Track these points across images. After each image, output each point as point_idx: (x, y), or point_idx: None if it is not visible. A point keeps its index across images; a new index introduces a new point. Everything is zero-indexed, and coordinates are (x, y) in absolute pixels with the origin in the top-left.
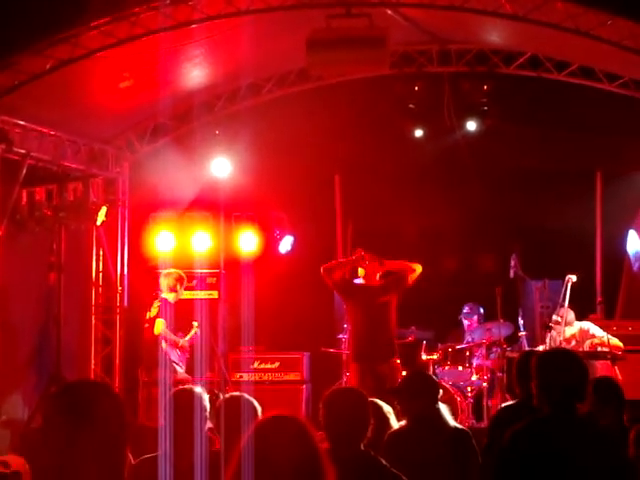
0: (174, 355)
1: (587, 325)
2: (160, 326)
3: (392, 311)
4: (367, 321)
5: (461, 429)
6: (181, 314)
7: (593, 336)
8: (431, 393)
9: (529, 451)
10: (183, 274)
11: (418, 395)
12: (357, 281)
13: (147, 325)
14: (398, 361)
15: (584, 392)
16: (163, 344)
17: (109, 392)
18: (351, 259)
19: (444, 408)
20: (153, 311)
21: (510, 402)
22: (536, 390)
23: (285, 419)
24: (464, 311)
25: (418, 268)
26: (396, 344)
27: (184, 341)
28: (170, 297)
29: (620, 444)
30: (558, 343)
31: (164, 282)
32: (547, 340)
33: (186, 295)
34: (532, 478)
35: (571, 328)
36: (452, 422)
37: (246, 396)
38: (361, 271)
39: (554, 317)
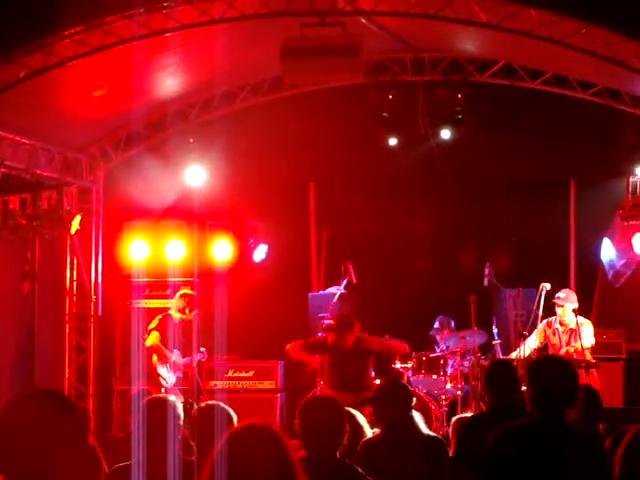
0: (163, 370)
1: (582, 320)
2: (153, 339)
3: (367, 367)
4: (340, 376)
5: (434, 437)
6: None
7: (583, 332)
8: (405, 401)
9: (515, 453)
10: (194, 295)
11: (392, 403)
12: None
13: (146, 335)
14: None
15: (574, 398)
16: (154, 357)
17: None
18: (317, 341)
19: (418, 416)
20: (154, 322)
21: (471, 414)
22: (528, 394)
23: (259, 428)
24: (435, 326)
25: (405, 349)
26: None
27: (177, 357)
28: (176, 316)
29: (607, 451)
30: (558, 323)
31: (178, 302)
32: (542, 324)
33: (160, 304)
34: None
35: (571, 313)
36: (425, 430)
37: (221, 404)
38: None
39: (557, 294)
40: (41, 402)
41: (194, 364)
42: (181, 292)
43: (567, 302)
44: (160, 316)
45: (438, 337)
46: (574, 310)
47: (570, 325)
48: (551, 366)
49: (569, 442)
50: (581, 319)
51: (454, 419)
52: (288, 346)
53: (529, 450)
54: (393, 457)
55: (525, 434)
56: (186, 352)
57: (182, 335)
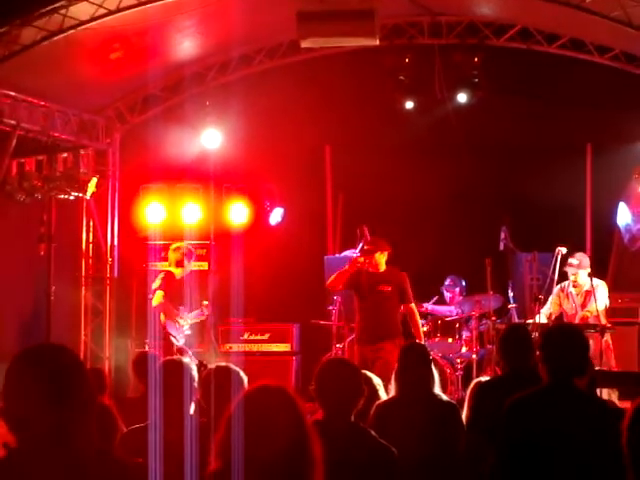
0: (172, 328)
1: (597, 282)
2: (159, 298)
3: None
4: (372, 307)
5: (449, 402)
6: (171, 285)
7: (597, 295)
8: (425, 364)
9: (528, 422)
10: (192, 248)
11: (413, 365)
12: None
13: (151, 296)
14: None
15: (585, 367)
16: (162, 317)
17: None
18: (352, 269)
19: (436, 380)
20: (157, 282)
21: (487, 378)
22: (540, 362)
23: (273, 389)
24: (446, 283)
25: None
26: (400, 328)
27: (186, 316)
28: (177, 272)
29: (618, 418)
30: (572, 287)
31: (172, 256)
32: (555, 289)
33: None
34: (531, 447)
35: (585, 276)
36: (441, 394)
37: (233, 366)
38: (360, 259)
39: (570, 260)
40: (48, 356)
41: (203, 317)
42: (174, 245)
43: (580, 268)
44: (162, 274)
45: (448, 295)
46: (589, 274)
47: (585, 287)
48: (562, 334)
49: (581, 409)
50: (596, 281)
51: (473, 382)
52: (328, 282)
53: (542, 419)
54: (407, 419)
55: (537, 402)
56: (195, 306)
57: (190, 289)
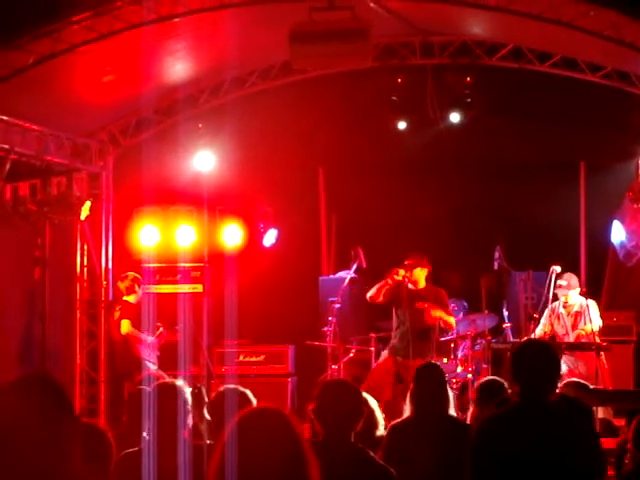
0: (145, 353)
1: (587, 302)
2: (126, 326)
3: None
4: (411, 322)
5: (462, 422)
6: (166, 308)
7: (588, 315)
8: (441, 383)
9: (500, 439)
10: (137, 275)
11: (429, 383)
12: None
13: (114, 328)
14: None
15: (554, 383)
16: (133, 343)
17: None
18: (393, 282)
19: (451, 400)
20: (116, 314)
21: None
22: (511, 381)
23: (269, 412)
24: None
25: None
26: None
27: (152, 339)
28: (131, 299)
29: (590, 432)
30: (562, 307)
31: (122, 286)
32: (546, 311)
33: (170, 289)
34: (503, 465)
35: (575, 296)
36: (454, 414)
37: (241, 388)
38: (401, 272)
39: (559, 282)
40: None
41: (162, 339)
42: (122, 276)
43: (570, 289)
44: (119, 306)
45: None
46: (581, 293)
47: (575, 308)
48: (531, 352)
49: (552, 424)
50: (586, 301)
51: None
52: (369, 294)
53: (513, 437)
54: (422, 439)
55: (508, 421)
56: (153, 331)
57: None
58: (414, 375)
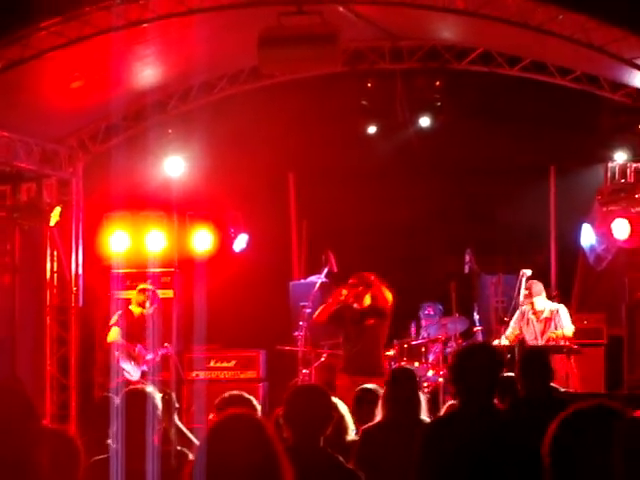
0: (127, 365)
1: (556, 306)
2: (114, 335)
3: (380, 333)
4: (356, 340)
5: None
6: (129, 322)
7: (559, 317)
8: (414, 389)
9: (442, 443)
10: (157, 292)
11: (402, 388)
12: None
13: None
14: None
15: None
16: (116, 352)
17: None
18: (337, 300)
19: (423, 403)
20: (114, 319)
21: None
22: (453, 383)
23: (242, 417)
24: (427, 312)
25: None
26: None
27: (139, 352)
28: (136, 311)
29: (531, 437)
30: (529, 316)
31: (137, 297)
32: (516, 314)
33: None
34: (447, 470)
35: (542, 302)
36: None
37: (245, 394)
38: (344, 292)
39: (522, 291)
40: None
41: (157, 359)
42: (140, 287)
43: (532, 297)
44: (119, 312)
45: (423, 322)
46: (550, 297)
47: (544, 314)
48: (473, 355)
49: (494, 429)
50: (555, 305)
51: None
52: (315, 316)
53: (455, 441)
54: (394, 443)
55: (451, 425)
56: (152, 346)
57: (143, 329)
58: (387, 379)
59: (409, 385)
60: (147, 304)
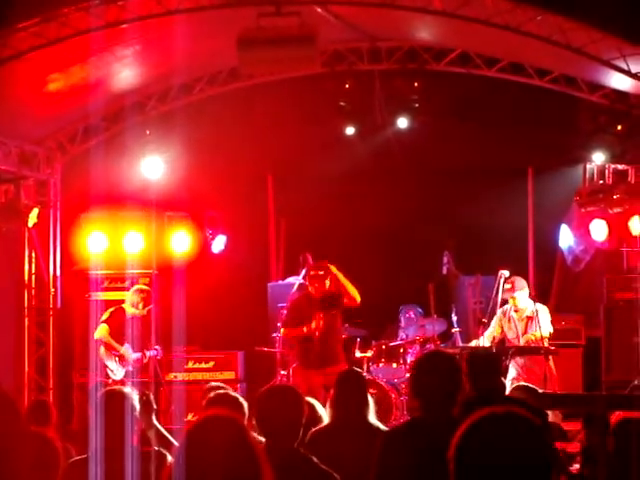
0: (111, 363)
1: (538, 307)
2: (102, 332)
3: (338, 320)
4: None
5: (383, 429)
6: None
7: (540, 318)
8: (360, 390)
9: (402, 452)
10: (151, 293)
11: (349, 392)
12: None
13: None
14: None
15: (455, 396)
16: (102, 349)
17: None
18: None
19: (372, 406)
20: (105, 315)
21: None
22: (411, 391)
23: (220, 419)
24: (408, 316)
25: (356, 299)
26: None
27: (126, 351)
28: (129, 311)
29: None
30: (513, 311)
31: (132, 297)
32: (497, 313)
33: (118, 296)
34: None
35: (524, 299)
36: (374, 421)
37: (232, 392)
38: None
39: (504, 286)
40: None
41: (144, 360)
42: (136, 287)
43: (515, 291)
44: (112, 309)
45: (402, 324)
46: (530, 296)
47: (526, 312)
48: (431, 364)
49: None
50: (537, 306)
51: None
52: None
53: (416, 449)
54: (341, 446)
55: (411, 433)
56: (141, 346)
57: (135, 330)
58: (335, 382)
59: (357, 387)
60: (140, 305)
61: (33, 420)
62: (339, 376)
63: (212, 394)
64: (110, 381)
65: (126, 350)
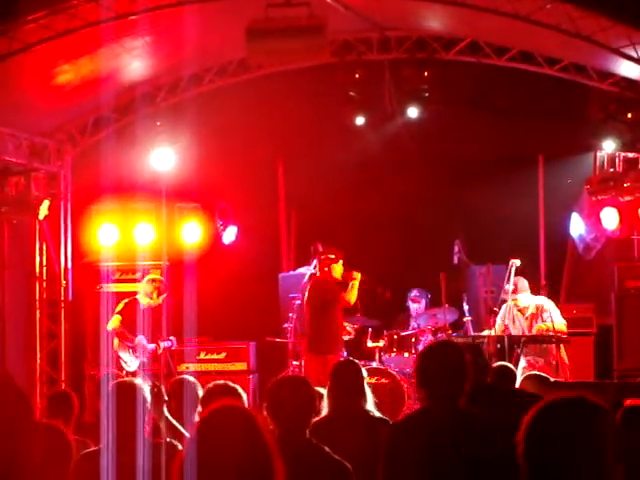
0: (124, 354)
1: (542, 301)
2: (115, 323)
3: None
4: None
5: (381, 418)
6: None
7: (547, 312)
8: (355, 381)
9: (409, 444)
10: (164, 282)
11: (343, 384)
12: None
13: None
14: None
15: (462, 385)
16: (115, 341)
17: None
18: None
19: (370, 397)
20: (119, 306)
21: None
22: (417, 381)
23: (232, 409)
24: (413, 294)
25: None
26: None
27: (140, 342)
28: (144, 301)
29: (499, 435)
30: (515, 312)
31: (146, 287)
32: (502, 309)
33: (129, 287)
34: (413, 471)
35: (526, 298)
36: (374, 411)
37: (230, 383)
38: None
39: (506, 286)
40: None
41: (159, 351)
42: (150, 277)
43: (517, 293)
44: (126, 300)
45: (414, 307)
46: (536, 288)
47: (530, 310)
48: (436, 353)
49: (462, 427)
50: (540, 300)
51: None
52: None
53: (423, 440)
54: (339, 436)
55: (417, 425)
56: (154, 338)
57: (150, 320)
58: (330, 372)
59: (352, 377)
60: (154, 295)
61: (55, 411)
62: (334, 367)
63: (210, 385)
64: (124, 373)
65: (140, 341)
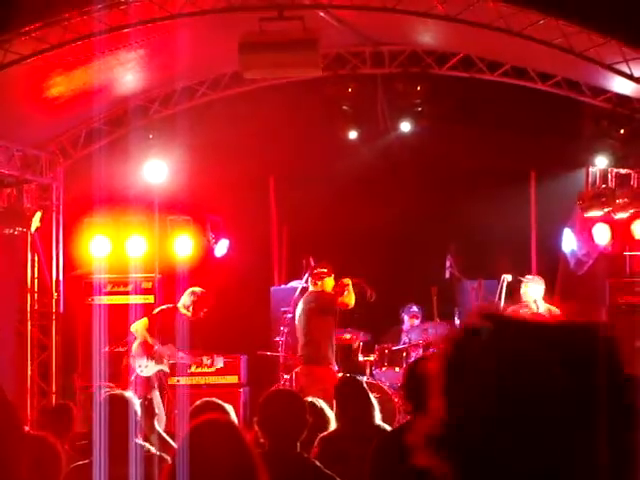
0: (142, 360)
1: (556, 310)
2: (139, 325)
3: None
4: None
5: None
6: (116, 319)
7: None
8: (364, 397)
9: (388, 459)
10: (204, 297)
11: (352, 399)
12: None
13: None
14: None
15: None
16: (135, 343)
17: None
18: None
19: (377, 411)
20: (155, 310)
21: None
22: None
23: (218, 423)
24: (412, 310)
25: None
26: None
27: (160, 348)
28: (182, 309)
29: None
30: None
31: (185, 298)
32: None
33: (121, 300)
34: None
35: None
36: (382, 424)
37: (216, 400)
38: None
39: (503, 296)
40: None
41: (188, 362)
42: (191, 289)
43: (530, 282)
44: (164, 306)
45: (409, 322)
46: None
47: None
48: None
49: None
50: (553, 308)
51: None
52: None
53: (400, 454)
54: (350, 452)
55: (398, 438)
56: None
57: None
58: (335, 390)
59: (358, 392)
60: (191, 309)
61: (55, 423)
62: (338, 384)
63: (198, 402)
64: (132, 378)
65: (167, 350)
